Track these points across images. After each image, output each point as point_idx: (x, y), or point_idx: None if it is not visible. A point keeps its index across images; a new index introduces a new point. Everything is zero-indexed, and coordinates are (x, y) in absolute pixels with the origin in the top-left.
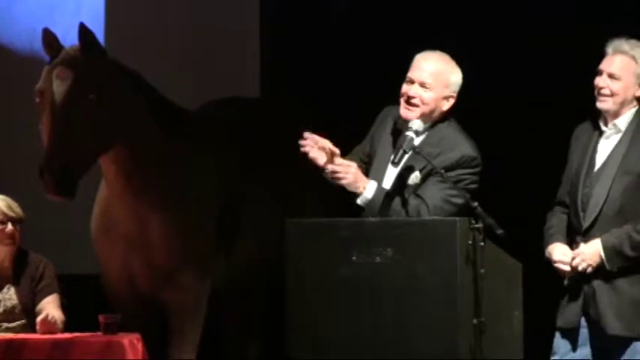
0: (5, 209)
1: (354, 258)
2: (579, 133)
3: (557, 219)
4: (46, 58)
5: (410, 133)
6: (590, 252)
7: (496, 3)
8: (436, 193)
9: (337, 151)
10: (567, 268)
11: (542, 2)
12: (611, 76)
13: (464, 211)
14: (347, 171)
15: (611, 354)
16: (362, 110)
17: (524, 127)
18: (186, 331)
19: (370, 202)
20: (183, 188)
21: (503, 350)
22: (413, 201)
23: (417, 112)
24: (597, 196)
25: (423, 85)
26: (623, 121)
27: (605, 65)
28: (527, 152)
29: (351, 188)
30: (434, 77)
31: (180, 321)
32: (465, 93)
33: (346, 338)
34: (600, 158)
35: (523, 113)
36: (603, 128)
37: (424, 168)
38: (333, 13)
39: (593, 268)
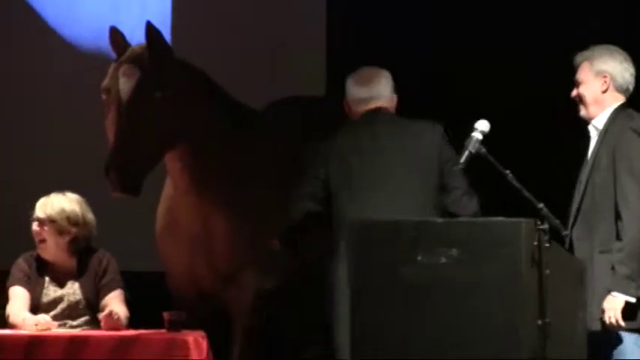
0: (37, 208)
1: (418, 258)
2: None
3: None
4: (113, 56)
5: (476, 134)
6: (609, 307)
7: None
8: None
9: None
10: None
11: None
12: (576, 83)
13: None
14: None
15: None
16: (425, 109)
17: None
18: (248, 331)
19: None
20: (247, 187)
21: (566, 351)
22: (467, 197)
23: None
24: (578, 196)
25: None
26: (600, 121)
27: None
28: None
29: None
30: None
31: (242, 321)
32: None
33: (410, 338)
34: (587, 160)
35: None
36: (589, 130)
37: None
38: (401, 12)
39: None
